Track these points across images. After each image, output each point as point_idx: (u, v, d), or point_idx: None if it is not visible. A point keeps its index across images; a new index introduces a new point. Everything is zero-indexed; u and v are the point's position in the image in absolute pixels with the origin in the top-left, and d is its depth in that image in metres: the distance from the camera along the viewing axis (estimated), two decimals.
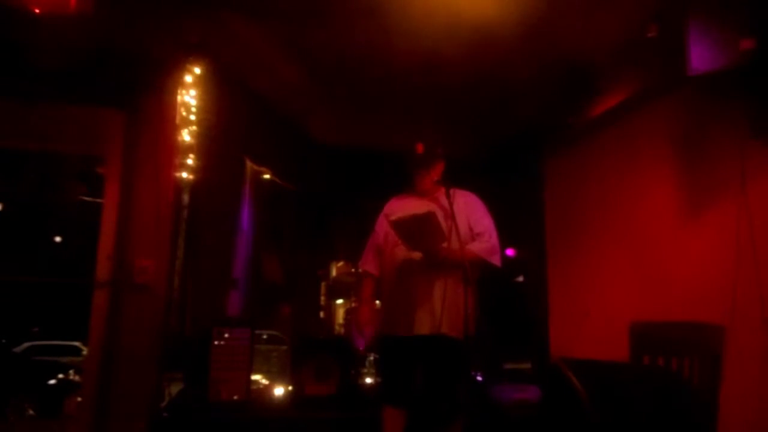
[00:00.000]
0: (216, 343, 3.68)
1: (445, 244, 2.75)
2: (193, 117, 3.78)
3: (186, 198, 3.83)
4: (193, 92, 3.75)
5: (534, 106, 4.65)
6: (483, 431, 3.59)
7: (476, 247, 2.90)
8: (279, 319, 5.80)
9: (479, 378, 4.41)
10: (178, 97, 3.68)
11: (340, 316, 5.87)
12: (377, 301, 3.29)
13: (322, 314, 6.11)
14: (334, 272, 6.05)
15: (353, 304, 5.24)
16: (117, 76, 3.53)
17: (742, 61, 2.67)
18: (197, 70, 3.74)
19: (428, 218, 2.72)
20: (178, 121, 3.69)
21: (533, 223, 5.14)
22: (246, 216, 5.13)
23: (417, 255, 2.90)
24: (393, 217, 2.85)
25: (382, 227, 3.12)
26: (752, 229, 2.90)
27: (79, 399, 3.43)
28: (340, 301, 5.94)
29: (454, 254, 2.72)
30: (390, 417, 2.88)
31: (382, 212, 3.17)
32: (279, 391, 3.96)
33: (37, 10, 3.00)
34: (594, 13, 3.48)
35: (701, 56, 2.73)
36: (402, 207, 3.02)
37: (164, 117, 3.65)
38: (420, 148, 2.99)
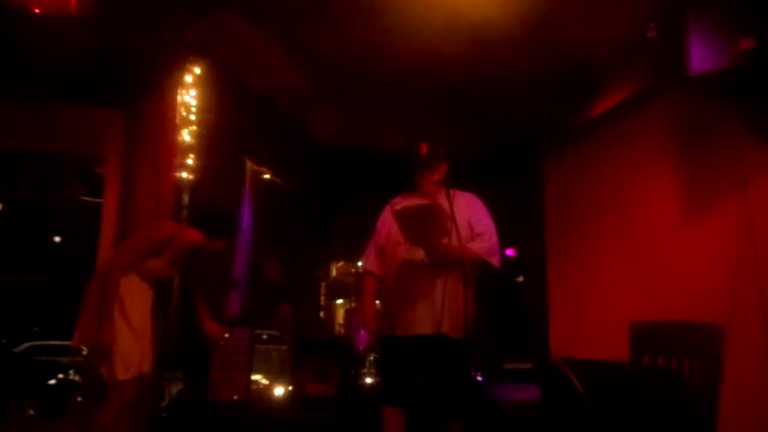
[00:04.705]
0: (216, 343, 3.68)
1: (445, 240, 2.75)
2: (193, 117, 3.78)
3: (186, 198, 3.83)
4: (193, 92, 3.75)
5: (534, 106, 4.66)
6: (483, 431, 3.59)
7: (476, 247, 2.90)
8: (279, 319, 5.79)
9: (479, 378, 4.41)
10: (178, 97, 3.69)
11: (340, 316, 5.86)
12: (377, 301, 3.28)
13: (322, 314, 6.09)
14: (334, 272, 6.05)
15: (353, 304, 5.23)
16: (117, 76, 3.54)
17: (742, 61, 2.66)
18: (197, 70, 3.74)
19: (433, 209, 2.73)
20: (178, 121, 3.69)
21: (533, 223, 5.14)
22: (246, 216, 5.13)
23: (418, 255, 2.90)
24: (398, 207, 2.85)
25: (384, 227, 3.12)
26: (752, 229, 2.90)
27: (79, 399, 3.42)
28: (340, 301, 5.92)
29: (455, 251, 2.72)
30: (390, 417, 2.87)
31: (383, 212, 3.17)
32: (279, 391, 3.97)
33: (37, 10, 3.01)
34: (594, 14, 3.48)
35: (701, 56, 2.72)
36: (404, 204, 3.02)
37: (164, 117, 3.65)
38: (424, 148, 2.98)
